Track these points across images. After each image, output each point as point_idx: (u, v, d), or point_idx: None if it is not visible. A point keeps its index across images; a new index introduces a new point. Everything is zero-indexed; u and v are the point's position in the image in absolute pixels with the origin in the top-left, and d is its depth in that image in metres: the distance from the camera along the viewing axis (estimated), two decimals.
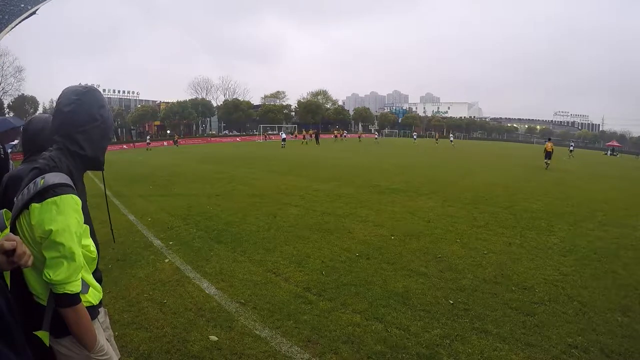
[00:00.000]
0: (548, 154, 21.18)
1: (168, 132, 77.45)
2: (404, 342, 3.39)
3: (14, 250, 1.07)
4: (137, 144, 57.17)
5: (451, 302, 4.14)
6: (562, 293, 4.40)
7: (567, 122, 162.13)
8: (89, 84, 1.84)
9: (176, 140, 56.90)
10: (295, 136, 62.74)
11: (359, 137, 61.97)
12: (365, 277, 4.80)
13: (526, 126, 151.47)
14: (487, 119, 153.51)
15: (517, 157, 28.52)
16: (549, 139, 22.63)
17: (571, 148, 36.01)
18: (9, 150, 3.02)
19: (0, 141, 3.02)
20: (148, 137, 52.93)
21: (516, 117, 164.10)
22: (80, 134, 1.68)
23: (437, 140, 58.99)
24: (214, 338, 3.49)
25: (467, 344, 3.38)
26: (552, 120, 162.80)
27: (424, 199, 9.87)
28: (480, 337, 3.49)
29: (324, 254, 5.63)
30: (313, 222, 7.45)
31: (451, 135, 61.34)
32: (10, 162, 3.01)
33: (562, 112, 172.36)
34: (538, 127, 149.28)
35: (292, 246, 6.01)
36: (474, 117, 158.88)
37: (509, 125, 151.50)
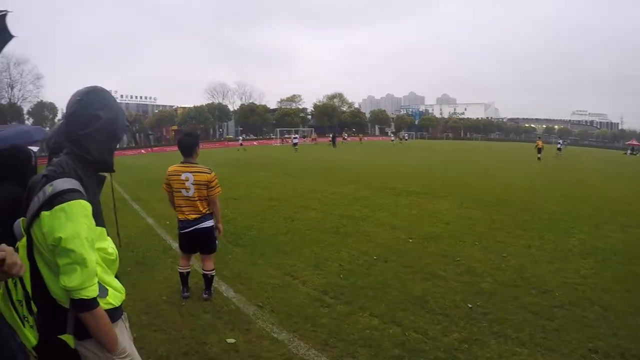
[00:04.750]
0: (539, 150, 27.16)
1: None
2: (422, 346, 3.36)
3: (4, 260, 1.08)
4: (154, 148, 57.89)
5: (470, 305, 4.08)
6: (583, 296, 4.31)
7: (586, 122, 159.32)
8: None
9: None
10: (313, 139, 62.88)
11: (360, 139, 62.00)
12: (383, 281, 4.77)
13: (544, 126, 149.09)
14: (504, 120, 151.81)
15: (534, 158, 28.04)
16: (539, 137, 31.52)
17: (559, 146, 35.07)
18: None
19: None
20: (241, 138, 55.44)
21: (534, 117, 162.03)
22: (85, 136, 1.65)
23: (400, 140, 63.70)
24: (231, 340, 3.51)
25: (485, 348, 3.33)
26: (570, 120, 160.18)
27: (442, 201, 9.79)
28: (499, 341, 3.43)
29: (342, 257, 5.62)
30: (331, 225, 7.44)
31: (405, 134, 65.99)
32: None
33: (580, 111, 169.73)
34: (556, 127, 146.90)
35: (310, 249, 6.01)
36: (491, 117, 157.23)
37: (526, 125, 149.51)
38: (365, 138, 72.43)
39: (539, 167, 20.83)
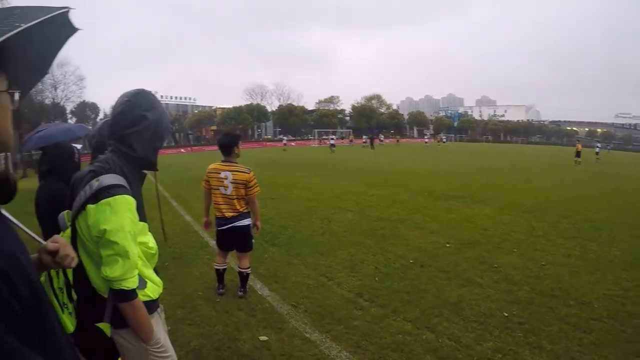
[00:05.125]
0: (578, 154, 26.45)
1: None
2: (454, 354, 3.27)
3: (57, 251, 1.13)
4: (194, 147, 59.32)
5: (505, 314, 3.95)
6: (622, 310, 4.07)
7: (630, 125, 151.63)
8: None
9: None
10: (351, 141, 62.76)
11: (380, 140, 59.76)
12: (419, 285, 4.69)
13: (586, 129, 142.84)
14: (545, 122, 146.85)
15: (574, 164, 27.02)
16: (578, 141, 33.23)
17: (597, 150, 32.87)
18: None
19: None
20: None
21: (576, 120, 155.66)
22: (131, 134, 1.72)
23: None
24: (264, 338, 3.53)
25: (519, 359, 3.21)
26: (613, 123, 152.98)
27: (481, 206, 9.53)
28: (534, 352, 3.30)
29: (378, 260, 5.56)
30: (368, 228, 7.39)
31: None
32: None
33: (624, 113, 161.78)
34: (599, 130, 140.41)
35: (346, 251, 5.98)
36: (532, 120, 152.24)
37: (568, 128, 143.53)
38: (403, 140, 71.70)
39: (581, 172, 19.95)
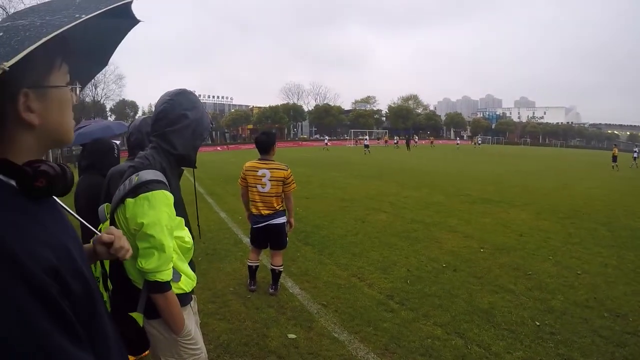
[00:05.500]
0: (614, 158, 26.29)
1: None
2: None
3: (112, 242, 1.16)
4: (230, 146, 60.31)
5: (537, 323, 3.83)
6: None
7: None
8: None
9: None
10: (386, 141, 62.24)
11: (396, 142, 56.11)
12: (450, 290, 4.61)
13: (628, 133, 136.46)
14: (585, 125, 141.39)
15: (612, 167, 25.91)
16: (615, 145, 30.61)
17: (635, 154, 30.68)
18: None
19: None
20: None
21: (617, 123, 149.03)
22: (172, 132, 1.77)
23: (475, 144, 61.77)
24: (292, 336, 3.55)
25: None
26: None
27: (517, 211, 9.26)
28: None
29: (410, 263, 5.51)
30: (401, 230, 7.32)
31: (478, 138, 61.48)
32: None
33: None
34: None
35: (378, 252, 5.95)
36: (572, 122, 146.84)
37: (609, 132, 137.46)
38: (438, 141, 70.45)
39: (621, 178, 19.04)
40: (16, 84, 0.73)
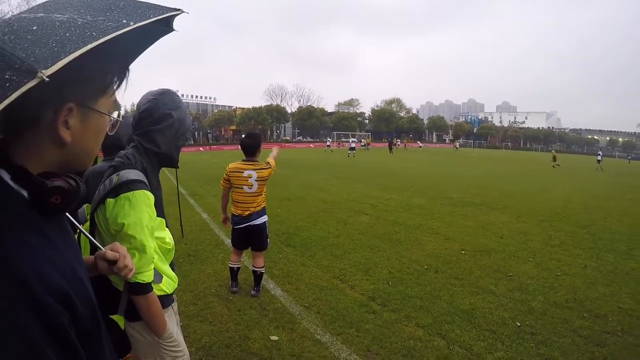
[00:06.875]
0: (554, 158, 30.03)
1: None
2: None
3: (116, 261, 1.12)
4: (212, 147, 59.92)
5: (518, 324, 3.90)
6: (637, 324, 3.98)
7: None
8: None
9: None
10: (367, 144, 62.18)
11: (395, 145, 55.64)
12: (432, 291, 4.65)
13: (607, 138, 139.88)
14: (566, 130, 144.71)
15: (595, 172, 26.53)
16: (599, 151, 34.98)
17: (599, 158, 32.69)
18: None
19: None
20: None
21: (597, 129, 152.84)
22: (156, 131, 1.76)
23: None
24: (274, 338, 3.54)
25: None
26: (635, 132, 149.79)
27: (498, 214, 9.41)
28: None
29: (392, 264, 5.54)
30: (383, 232, 7.36)
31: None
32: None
33: None
34: (620, 139, 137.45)
35: (360, 254, 5.97)
36: (553, 127, 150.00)
37: (589, 137, 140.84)
38: (411, 144, 71.00)
39: (601, 182, 19.50)
40: (66, 93, 0.67)
